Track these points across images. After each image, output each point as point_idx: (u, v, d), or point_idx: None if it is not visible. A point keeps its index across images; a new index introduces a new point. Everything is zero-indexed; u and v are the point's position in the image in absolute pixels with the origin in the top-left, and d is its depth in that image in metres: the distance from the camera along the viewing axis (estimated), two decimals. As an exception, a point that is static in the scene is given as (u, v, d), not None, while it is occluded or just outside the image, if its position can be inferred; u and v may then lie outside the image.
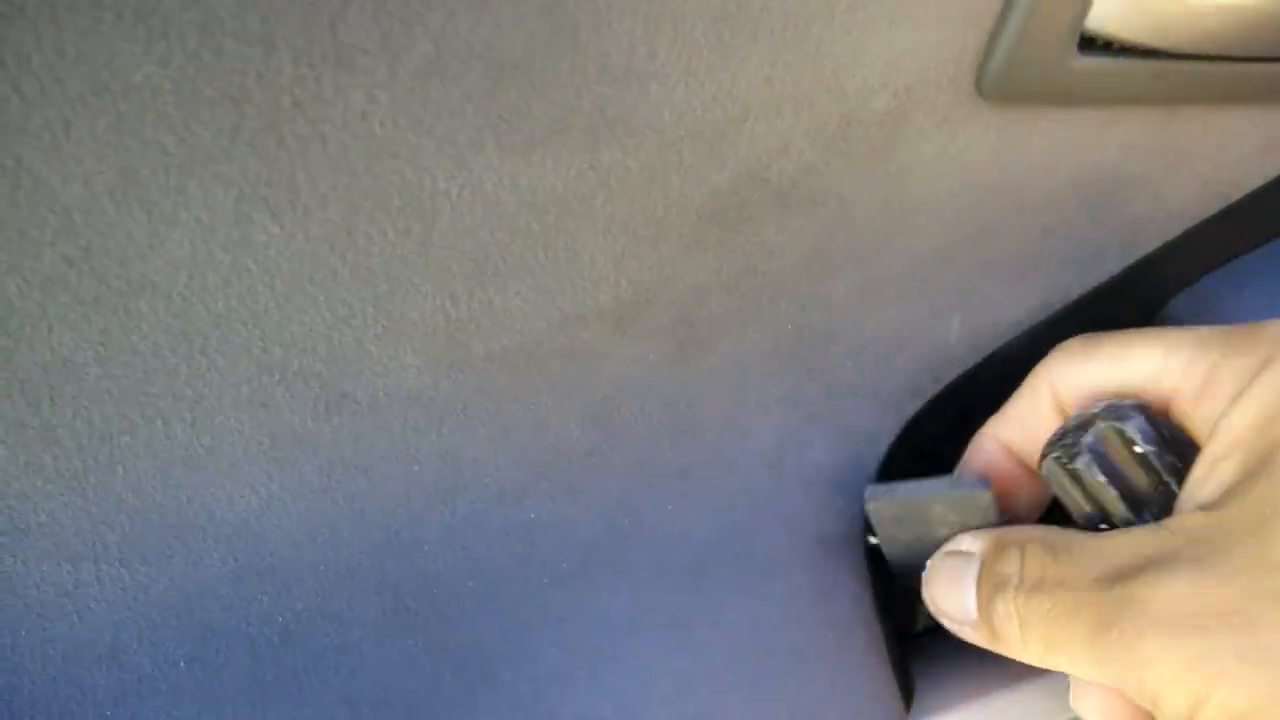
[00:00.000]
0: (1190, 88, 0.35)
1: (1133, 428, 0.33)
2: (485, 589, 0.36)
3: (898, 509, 0.36)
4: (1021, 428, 0.38)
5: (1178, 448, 0.34)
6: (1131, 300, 0.44)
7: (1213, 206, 0.40)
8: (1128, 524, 0.33)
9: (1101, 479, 0.34)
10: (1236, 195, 0.40)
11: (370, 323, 0.31)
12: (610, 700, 0.34)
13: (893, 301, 0.38)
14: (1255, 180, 0.40)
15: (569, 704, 0.34)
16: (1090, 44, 0.32)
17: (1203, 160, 0.38)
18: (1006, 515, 0.37)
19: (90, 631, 0.32)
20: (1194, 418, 0.34)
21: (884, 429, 0.42)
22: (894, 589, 0.40)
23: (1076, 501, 0.35)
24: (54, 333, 0.27)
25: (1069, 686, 0.37)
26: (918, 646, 0.40)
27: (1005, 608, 0.33)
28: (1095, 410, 0.35)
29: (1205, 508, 0.31)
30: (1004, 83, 0.32)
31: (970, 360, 0.41)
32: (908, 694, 0.37)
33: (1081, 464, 0.34)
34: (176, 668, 0.33)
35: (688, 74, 0.28)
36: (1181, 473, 0.33)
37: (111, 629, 0.33)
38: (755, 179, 0.32)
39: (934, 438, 0.46)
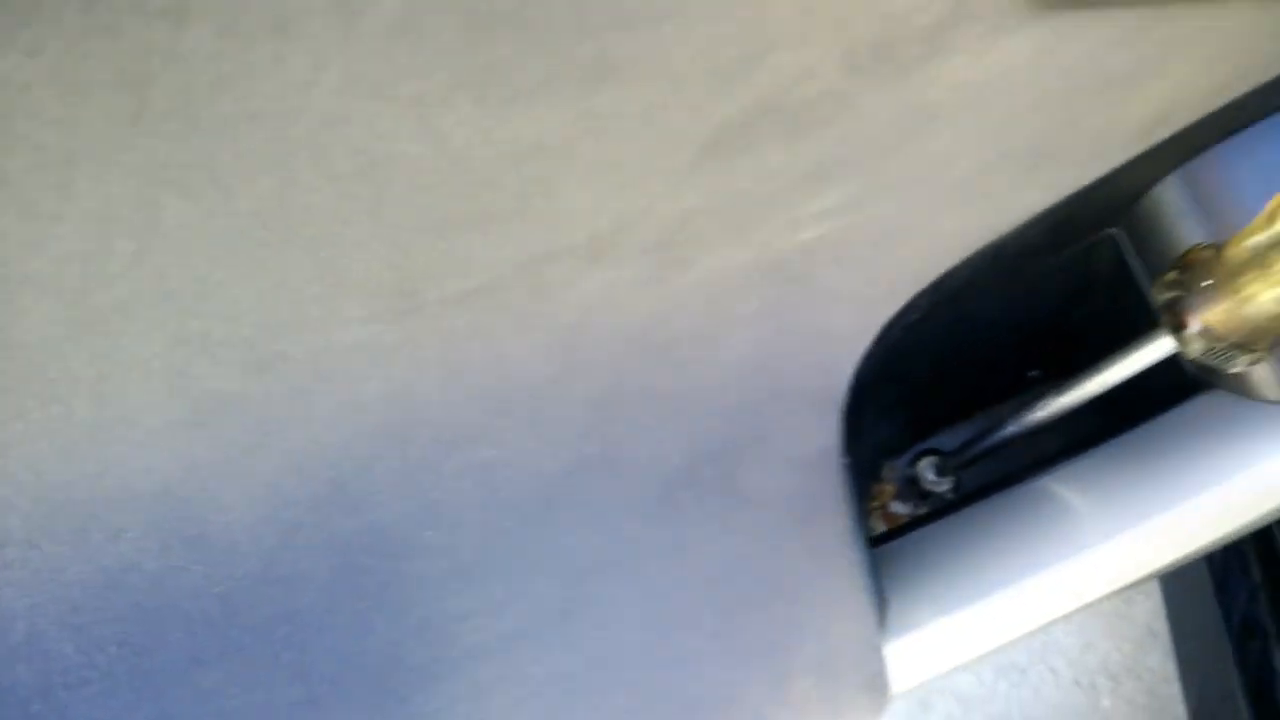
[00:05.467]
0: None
1: None
2: (444, 538, 0.33)
3: None
4: None
5: None
6: (1118, 186, 0.41)
7: (1220, 101, 0.37)
8: None
9: None
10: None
11: (307, 285, 0.26)
12: (581, 654, 0.33)
13: (891, 202, 0.34)
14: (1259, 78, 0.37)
15: (541, 661, 0.32)
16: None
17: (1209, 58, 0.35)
18: None
19: (1, 620, 0.28)
20: None
21: (860, 333, 0.39)
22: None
23: None
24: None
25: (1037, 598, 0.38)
26: (880, 557, 0.40)
27: None
28: None
29: None
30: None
31: (955, 257, 0.38)
32: (881, 610, 0.37)
33: None
34: (105, 652, 0.29)
35: (711, 11, 0.22)
36: None
37: (26, 614, 0.29)
38: (769, 108, 0.26)
39: (915, 336, 0.43)
